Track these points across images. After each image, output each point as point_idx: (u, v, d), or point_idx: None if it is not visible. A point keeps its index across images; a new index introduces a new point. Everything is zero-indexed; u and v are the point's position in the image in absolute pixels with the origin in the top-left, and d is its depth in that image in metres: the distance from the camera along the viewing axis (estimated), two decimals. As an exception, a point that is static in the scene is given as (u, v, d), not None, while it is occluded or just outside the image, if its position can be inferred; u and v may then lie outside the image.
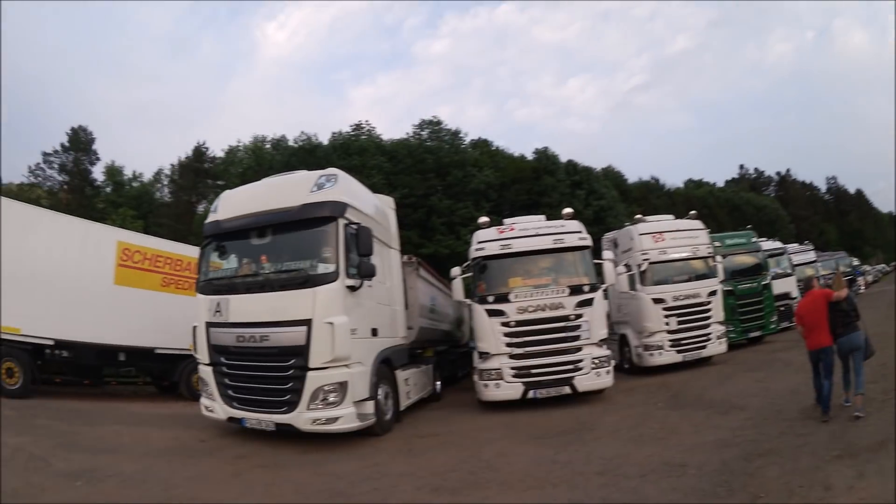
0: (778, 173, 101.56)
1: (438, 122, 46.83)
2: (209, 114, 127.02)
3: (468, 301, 12.35)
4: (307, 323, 8.48)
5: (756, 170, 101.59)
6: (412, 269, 13.44)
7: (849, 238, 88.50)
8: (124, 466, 7.77)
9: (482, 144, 51.31)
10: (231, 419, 9.34)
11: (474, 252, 12.24)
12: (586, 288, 11.66)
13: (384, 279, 10.72)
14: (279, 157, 41.49)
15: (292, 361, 8.59)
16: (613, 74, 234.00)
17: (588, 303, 11.54)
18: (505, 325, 11.53)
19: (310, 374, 8.49)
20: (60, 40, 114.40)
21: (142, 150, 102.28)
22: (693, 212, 17.89)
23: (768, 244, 24.29)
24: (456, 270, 12.45)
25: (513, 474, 6.90)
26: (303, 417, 8.52)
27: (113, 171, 49.65)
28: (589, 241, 12.18)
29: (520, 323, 11.50)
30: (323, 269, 8.79)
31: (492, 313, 11.63)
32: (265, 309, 8.87)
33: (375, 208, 11.06)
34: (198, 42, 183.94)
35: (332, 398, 8.51)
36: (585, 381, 11.37)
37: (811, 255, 31.61)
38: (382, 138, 45.87)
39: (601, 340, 11.67)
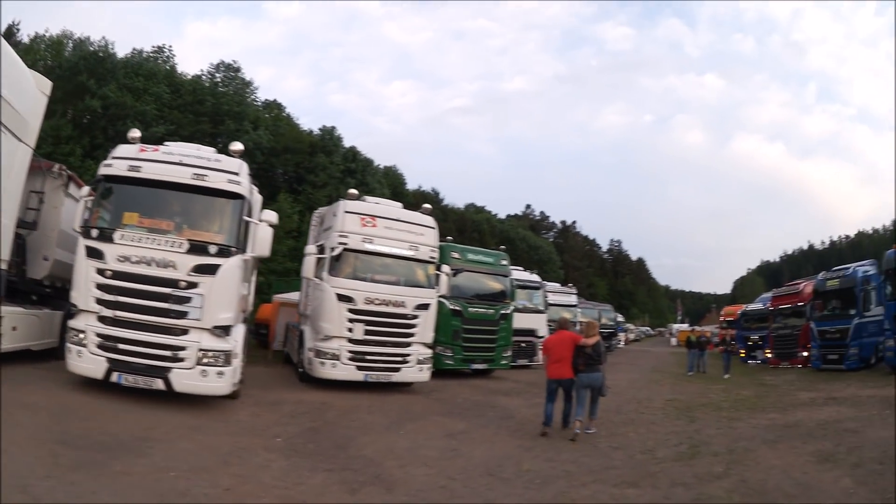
0: (563, 222, 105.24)
1: (237, 69, 43.16)
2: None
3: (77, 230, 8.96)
4: None
5: (542, 213, 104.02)
6: (59, 182, 10.57)
7: (619, 296, 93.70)
8: None
9: (274, 107, 48.08)
10: None
11: (101, 168, 9.04)
12: (213, 249, 8.64)
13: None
14: (71, 59, 36.09)
15: None
16: (440, 90, 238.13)
17: (210, 270, 8.51)
18: (100, 272, 8.39)
19: None
20: None
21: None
22: (427, 205, 14.74)
23: (524, 275, 22.90)
24: (84, 191, 9.25)
25: None
26: None
27: None
28: (243, 189, 9.15)
29: (117, 274, 8.36)
30: None
31: (91, 252, 8.49)
32: None
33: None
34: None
35: None
36: (186, 380, 8.41)
37: (573, 299, 30.33)
38: (177, 69, 41.56)
39: (220, 327, 8.66)
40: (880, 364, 18.85)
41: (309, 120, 57.86)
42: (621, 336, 48.70)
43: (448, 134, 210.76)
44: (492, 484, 6.63)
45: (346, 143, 46.45)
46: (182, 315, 8.43)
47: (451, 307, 16.40)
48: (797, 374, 20.39)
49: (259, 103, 45.27)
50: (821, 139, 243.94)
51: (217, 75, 42.24)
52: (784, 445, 8.76)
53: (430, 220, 13.79)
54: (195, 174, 8.84)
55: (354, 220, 12.71)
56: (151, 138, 34.60)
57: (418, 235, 13.31)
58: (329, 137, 45.23)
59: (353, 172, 44.51)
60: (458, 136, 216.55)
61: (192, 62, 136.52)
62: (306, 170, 41.12)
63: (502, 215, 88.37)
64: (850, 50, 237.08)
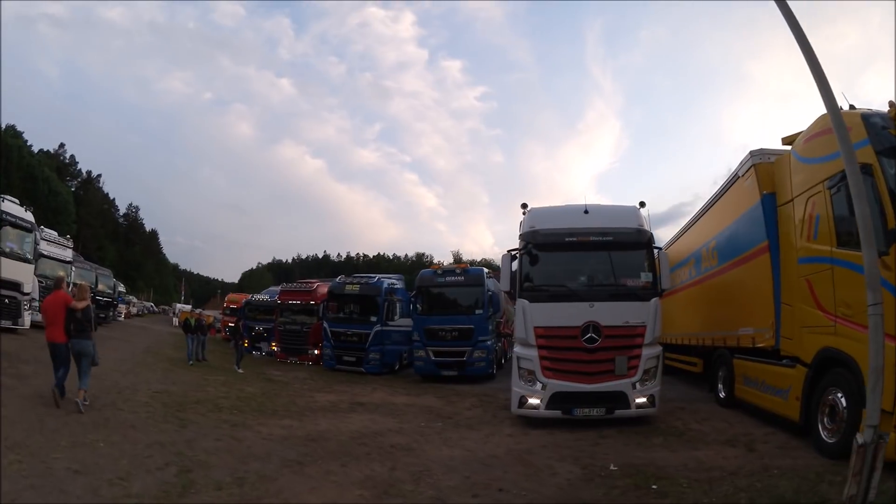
0: (89, 172, 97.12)
1: None
2: None
3: None
4: None
5: (73, 157, 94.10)
6: None
7: (126, 266, 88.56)
8: None
9: None
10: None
11: None
12: None
13: None
14: None
15: None
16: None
17: None
18: None
19: None
20: None
21: None
22: None
23: (17, 210, 17.62)
24: None
25: None
26: None
27: None
28: None
29: None
30: None
31: None
32: None
33: None
34: None
35: None
36: None
37: (69, 254, 25.08)
38: None
39: None
40: (407, 370, 20.00)
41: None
42: (122, 308, 43.81)
43: (32, 39, 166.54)
44: None
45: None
46: None
47: None
48: (308, 372, 19.81)
49: None
50: (364, 170, 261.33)
51: None
52: (315, 469, 6.98)
53: None
54: None
55: None
56: None
57: None
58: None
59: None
60: (41, 45, 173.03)
61: None
62: None
63: (37, 148, 78.20)
64: (434, 113, 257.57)
